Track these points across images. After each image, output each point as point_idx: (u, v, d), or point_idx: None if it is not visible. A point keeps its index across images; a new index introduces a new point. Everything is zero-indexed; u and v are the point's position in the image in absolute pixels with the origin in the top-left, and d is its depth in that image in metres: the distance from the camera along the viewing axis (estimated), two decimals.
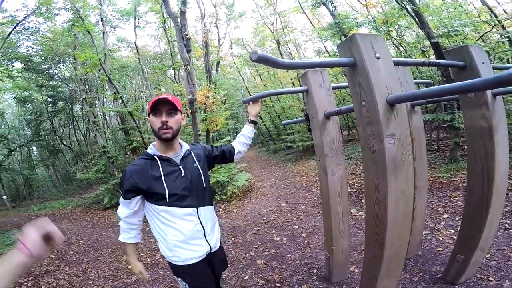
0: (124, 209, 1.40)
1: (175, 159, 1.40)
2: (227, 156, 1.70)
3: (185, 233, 1.36)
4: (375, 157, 1.22)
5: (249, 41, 18.64)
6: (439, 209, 3.55)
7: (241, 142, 1.77)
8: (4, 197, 13.75)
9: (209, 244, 1.44)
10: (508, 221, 2.85)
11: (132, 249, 1.51)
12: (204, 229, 1.42)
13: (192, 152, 1.49)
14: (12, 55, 11.21)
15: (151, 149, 1.41)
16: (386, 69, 1.18)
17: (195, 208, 1.39)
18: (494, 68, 1.76)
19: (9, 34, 9.67)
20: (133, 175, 1.31)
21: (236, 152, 1.73)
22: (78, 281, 3.66)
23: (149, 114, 1.35)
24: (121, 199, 1.38)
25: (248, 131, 1.80)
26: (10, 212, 12.04)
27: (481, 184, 1.71)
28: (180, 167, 1.39)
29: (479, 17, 6.79)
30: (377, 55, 1.17)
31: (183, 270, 1.40)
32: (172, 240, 1.35)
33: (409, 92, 1.10)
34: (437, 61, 1.64)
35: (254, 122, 1.83)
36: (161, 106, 1.31)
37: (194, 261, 1.40)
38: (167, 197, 1.31)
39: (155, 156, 1.37)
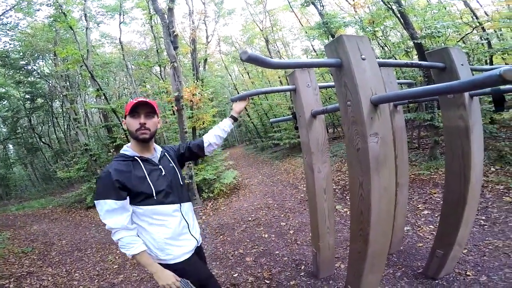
0: (119, 215, 1.28)
1: (153, 159, 1.44)
2: (194, 150, 1.68)
3: (173, 230, 1.39)
4: (359, 155, 1.27)
5: (238, 39, 18.57)
6: (419, 206, 3.69)
7: (215, 134, 1.72)
8: None
9: (195, 238, 1.52)
10: (483, 217, 3.01)
11: (149, 257, 1.36)
12: (188, 224, 1.48)
13: (165, 153, 1.55)
14: None
15: (128, 150, 1.40)
16: (371, 70, 1.22)
17: (179, 204, 1.45)
18: (472, 70, 1.85)
19: None
20: (118, 174, 1.28)
21: (205, 144, 1.69)
22: (62, 281, 3.58)
23: (125, 116, 1.38)
24: (108, 207, 1.26)
25: (225, 124, 1.76)
26: None
27: (458, 182, 1.79)
28: (160, 166, 1.44)
29: (461, 18, 7.02)
30: (362, 56, 1.21)
31: (180, 267, 1.41)
32: (162, 238, 1.36)
33: (392, 93, 1.14)
34: (419, 62, 1.70)
35: (235, 118, 1.81)
36: (140, 109, 1.34)
37: (187, 256, 1.44)
38: (154, 195, 1.33)
39: (135, 157, 1.37)
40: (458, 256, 2.09)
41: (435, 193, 3.90)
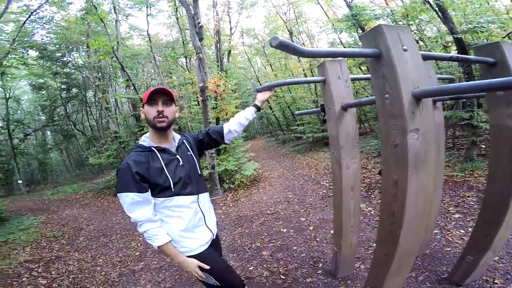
0: (143, 207, 1.28)
1: (171, 149, 1.41)
2: (213, 136, 1.63)
3: (189, 221, 1.37)
4: (396, 152, 1.18)
5: (260, 31, 18.35)
6: (450, 209, 3.47)
7: (236, 121, 1.66)
8: (20, 181, 14.19)
9: (211, 231, 1.49)
10: None
11: (173, 247, 1.36)
12: (204, 216, 1.46)
13: (184, 141, 1.51)
14: (27, 44, 11.46)
15: (145, 141, 1.38)
16: (413, 62, 1.13)
17: (196, 195, 1.43)
18: None
19: (24, 23, 9.85)
20: (137, 166, 1.26)
21: (226, 131, 1.64)
22: (87, 267, 3.73)
23: (143, 105, 1.35)
24: (131, 200, 1.24)
25: (248, 112, 1.70)
26: (25, 196, 12.41)
27: (503, 183, 1.66)
28: (177, 156, 1.40)
29: (508, 13, 6.45)
30: (404, 47, 1.12)
31: (196, 259, 1.40)
32: (177, 231, 1.36)
33: (436, 87, 1.04)
34: (466, 56, 1.57)
35: (257, 107, 1.75)
36: (158, 96, 1.31)
37: (202, 249, 1.42)
38: (172, 186, 1.31)
39: (152, 148, 1.35)
40: (489, 263, 1.96)
41: (468, 197, 3.63)
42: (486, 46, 1.58)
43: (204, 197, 1.49)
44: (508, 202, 1.65)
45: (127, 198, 1.24)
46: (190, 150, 1.49)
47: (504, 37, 5.70)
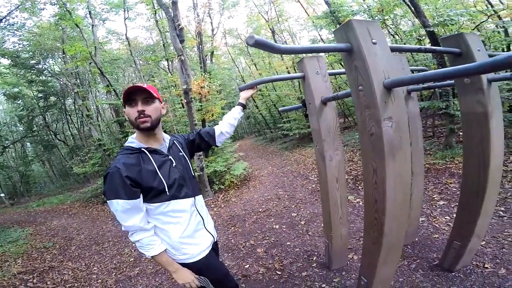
0: (134, 215, 1.18)
1: (162, 150, 1.32)
2: (205, 138, 1.59)
3: (188, 226, 1.30)
4: (373, 141, 1.23)
5: (243, 31, 18.35)
6: (434, 196, 3.60)
7: (226, 123, 1.66)
8: (2, 194, 13.64)
9: (211, 234, 1.44)
10: (502, 208, 2.91)
11: (167, 256, 1.29)
12: (203, 219, 1.40)
13: (175, 141, 1.43)
14: None
15: (133, 142, 1.27)
16: (383, 54, 1.17)
17: (193, 198, 1.35)
18: (489, 56, 1.76)
19: None
20: (128, 170, 1.16)
21: (217, 133, 1.62)
22: (82, 275, 3.68)
23: (124, 106, 1.24)
24: (121, 207, 1.15)
25: (235, 112, 1.70)
26: (9, 209, 11.98)
27: (477, 170, 1.73)
28: (170, 157, 1.32)
29: (475, 7, 6.76)
30: (373, 41, 1.16)
31: (198, 265, 1.34)
32: (177, 237, 1.28)
33: (406, 76, 1.09)
34: (434, 47, 1.64)
35: (243, 105, 1.75)
36: (136, 96, 1.21)
37: (204, 254, 1.36)
38: (166, 189, 1.23)
39: (143, 149, 1.24)
40: (476, 248, 2.03)
41: (451, 183, 3.78)
42: (452, 37, 1.64)
43: (200, 199, 1.43)
44: (484, 188, 1.71)
45: (117, 206, 1.15)
46: (182, 151, 1.42)
47: (473, 29, 5.97)
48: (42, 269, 4.08)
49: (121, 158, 1.20)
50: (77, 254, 4.63)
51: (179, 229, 1.28)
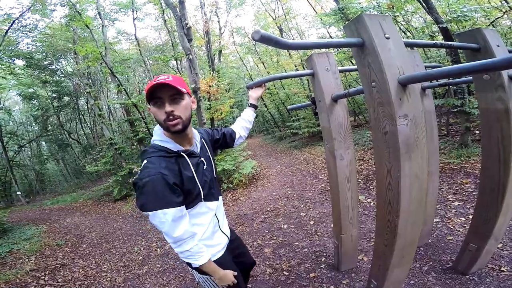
0: (183, 221, 1.08)
1: (195, 151, 1.22)
2: (227, 140, 1.57)
3: (208, 229, 1.27)
4: (387, 139, 1.17)
5: (251, 29, 18.28)
6: (449, 196, 3.47)
7: (241, 126, 1.67)
8: (18, 192, 14.10)
9: (226, 235, 1.42)
10: None
11: (213, 263, 1.23)
12: (218, 220, 1.37)
13: (203, 140, 1.34)
14: (12, 53, 11.26)
15: (169, 142, 1.12)
16: (397, 49, 1.11)
17: (218, 200, 1.33)
18: (509, 51, 1.67)
19: (6, 32, 9.68)
20: (173, 176, 1.05)
21: (237, 136, 1.61)
22: (92, 273, 3.75)
23: (149, 103, 1.09)
24: (172, 217, 1.03)
25: (248, 114, 1.71)
26: (25, 207, 12.34)
27: (497, 168, 1.64)
28: (202, 158, 1.23)
29: (489, 2, 6.51)
30: (386, 35, 1.11)
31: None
32: (200, 240, 1.23)
33: (422, 72, 1.03)
34: (450, 43, 1.56)
35: (254, 106, 1.76)
36: (161, 93, 1.04)
37: (219, 254, 1.34)
38: (202, 193, 1.16)
39: (181, 153, 1.13)
40: (492, 251, 1.94)
41: (466, 183, 3.64)
42: (469, 32, 1.57)
43: (221, 200, 1.40)
44: (504, 187, 1.64)
45: (166, 216, 1.01)
46: (209, 151, 1.34)
47: (488, 25, 5.74)
48: (54, 266, 4.16)
49: (161, 162, 1.06)
50: (88, 252, 4.72)
51: (201, 231, 1.22)
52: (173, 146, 1.12)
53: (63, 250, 4.98)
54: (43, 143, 21.60)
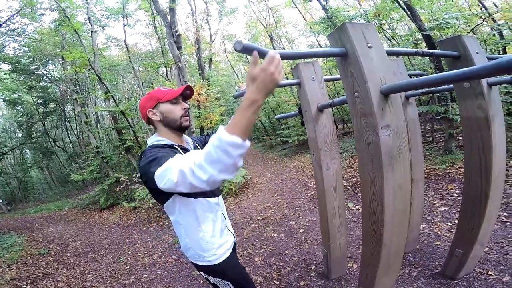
0: (187, 156, 0.95)
1: (189, 149, 1.30)
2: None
3: (217, 226, 1.29)
4: (370, 150, 1.17)
5: (242, 37, 18.47)
6: (435, 202, 3.53)
7: None
8: (0, 200, 13.56)
9: (232, 233, 1.44)
10: (505, 214, 2.84)
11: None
12: (225, 218, 1.41)
13: (195, 143, 1.44)
14: None
15: (163, 140, 1.21)
16: (379, 59, 1.13)
17: (218, 197, 1.37)
18: (488, 58, 1.73)
19: None
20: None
21: None
22: (76, 282, 3.63)
23: (156, 105, 1.20)
24: (177, 158, 0.95)
25: None
26: (7, 215, 11.93)
27: (479, 176, 1.67)
28: None
29: (470, 9, 6.82)
30: (369, 44, 1.12)
31: (222, 268, 1.30)
32: (209, 237, 1.25)
33: (403, 82, 1.05)
34: (431, 51, 1.59)
35: None
36: (184, 93, 1.26)
37: (228, 253, 1.33)
38: None
39: (175, 146, 1.20)
40: (479, 255, 1.96)
41: (452, 189, 3.72)
42: (449, 40, 1.61)
43: (221, 199, 1.45)
44: (486, 194, 1.66)
45: (172, 163, 0.92)
46: None
47: (468, 32, 6.00)
48: (36, 275, 4.03)
49: (159, 150, 1.10)
50: (72, 261, 4.58)
51: (210, 228, 1.26)
52: (167, 142, 1.21)
53: (46, 259, 4.83)
54: (27, 150, 20.90)
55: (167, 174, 0.90)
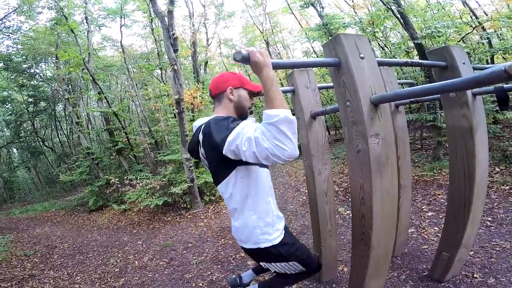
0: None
1: None
2: None
3: (274, 200, 1.37)
4: (359, 157, 1.23)
5: (238, 41, 18.63)
6: (423, 207, 3.63)
7: None
8: None
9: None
10: (489, 218, 2.95)
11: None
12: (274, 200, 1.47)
13: None
14: None
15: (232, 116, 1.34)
16: (370, 69, 1.19)
17: (268, 169, 1.45)
18: (474, 69, 1.82)
19: None
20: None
21: None
22: (64, 284, 3.56)
23: (237, 87, 1.29)
24: (245, 124, 1.07)
25: None
26: None
27: (463, 183, 1.75)
28: None
29: (461, 18, 7.05)
30: (361, 55, 1.18)
31: (286, 245, 1.32)
32: (275, 209, 1.33)
33: (392, 92, 1.11)
34: (420, 61, 1.67)
35: None
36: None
37: (282, 235, 1.36)
38: None
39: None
40: (464, 258, 2.04)
41: (439, 195, 3.84)
42: (437, 50, 1.68)
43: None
44: (470, 200, 1.74)
45: (242, 129, 1.03)
46: None
47: (459, 41, 6.20)
48: (21, 277, 3.92)
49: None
50: (59, 263, 4.47)
51: (274, 201, 1.34)
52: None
53: (32, 261, 4.69)
54: (14, 149, 20.36)
55: (258, 139, 0.98)
